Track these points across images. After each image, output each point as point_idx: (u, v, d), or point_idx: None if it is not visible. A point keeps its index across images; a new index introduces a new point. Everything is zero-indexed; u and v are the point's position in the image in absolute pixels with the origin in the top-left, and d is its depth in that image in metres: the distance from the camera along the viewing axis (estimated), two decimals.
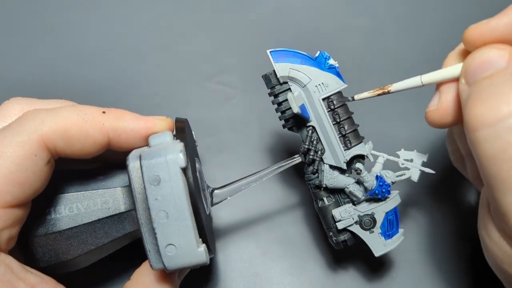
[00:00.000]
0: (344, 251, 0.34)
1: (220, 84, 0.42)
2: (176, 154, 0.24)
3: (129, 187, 0.28)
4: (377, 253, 0.30)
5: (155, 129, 0.26)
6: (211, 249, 0.26)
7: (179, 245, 0.24)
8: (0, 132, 0.24)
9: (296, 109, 0.28)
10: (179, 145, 0.25)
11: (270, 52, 0.29)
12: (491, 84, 0.23)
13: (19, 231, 0.25)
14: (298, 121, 0.30)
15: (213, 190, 0.31)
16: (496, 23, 0.24)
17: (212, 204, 0.31)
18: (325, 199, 0.30)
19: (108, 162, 0.29)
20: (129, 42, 0.43)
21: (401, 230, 0.31)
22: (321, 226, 0.32)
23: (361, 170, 0.29)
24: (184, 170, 0.24)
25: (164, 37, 0.44)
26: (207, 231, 0.26)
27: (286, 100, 0.29)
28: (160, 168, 0.24)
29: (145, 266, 0.29)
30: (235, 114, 0.41)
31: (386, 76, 0.42)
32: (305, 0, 0.45)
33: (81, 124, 0.25)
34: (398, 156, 0.31)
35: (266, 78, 0.30)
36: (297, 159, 0.31)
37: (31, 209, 0.26)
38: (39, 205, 0.27)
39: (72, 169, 0.29)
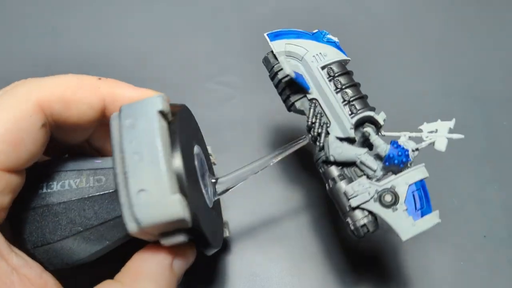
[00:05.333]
0: (347, 252, 0.33)
1: (220, 84, 0.42)
2: (155, 98, 0.24)
3: None
4: (404, 236, 0.24)
5: None
6: (199, 219, 0.23)
7: (151, 191, 0.22)
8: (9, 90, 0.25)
9: (288, 71, 0.26)
10: (160, 94, 0.24)
11: (267, 34, 0.30)
12: None
13: (11, 203, 0.25)
14: (297, 92, 0.28)
15: (217, 179, 0.28)
16: None
17: (217, 194, 0.28)
18: (336, 178, 0.27)
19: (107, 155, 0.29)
20: (129, 42, 0.45)
21: (436, 211, 0.25)
22: (322, 226, 0.29)
23: (369, 133, 0.26)
24: (162, 114, 0.23)
25: (164, 37, 0.45)
26: (202, 210, 0.24)
27: (285, 77, 0.28)
28: (137, 112, 0.23)
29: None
30: (235, 114, 0.40)
31: (386, 78, 0.42)
32: (305, 0, 0.46)
33: (77, 87, 0.25)
34: (421, 131, 0.27)
35: (266, 60, 0.30)
36: (304, 139, 0.28)
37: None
38: (31, 179, 0.26)
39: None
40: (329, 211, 0.35)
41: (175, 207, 0.22)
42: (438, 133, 0.26)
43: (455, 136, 0.26)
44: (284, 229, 0.36)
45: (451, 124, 0.26)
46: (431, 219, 0.25)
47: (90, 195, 0.26)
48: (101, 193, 0.26)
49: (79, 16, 0.47)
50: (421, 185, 0.25)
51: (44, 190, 0.27)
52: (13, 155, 0.23)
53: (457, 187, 0.37)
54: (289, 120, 0.39)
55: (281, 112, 0.38)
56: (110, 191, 0.27)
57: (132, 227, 0.22)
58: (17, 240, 0.26)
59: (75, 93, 0.25)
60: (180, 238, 0.24)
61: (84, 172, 0.27)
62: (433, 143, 0.26)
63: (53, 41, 0.45)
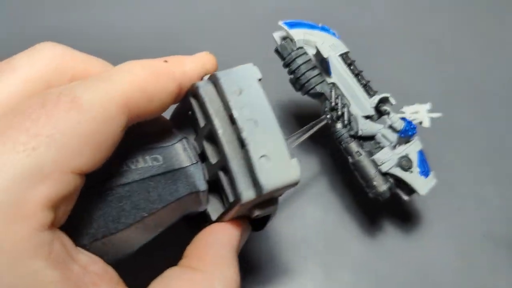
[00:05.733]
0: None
1: None
2: (251, 67, 0.23)
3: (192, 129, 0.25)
4: (422, 191, 0.30)
5: (213, 67, 0.25)
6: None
7: (273, 156, 0.22)
8: (87, 83, 0.20)
9: (326, 54, 0.30)
10: (250, 64, 0.24)
11: (283, 22, 0.32)
12: None
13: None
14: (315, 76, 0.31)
15: None
16: None
17: None
18: (360, 150, 0.31)
19: None
20: (129, 42, 0.41)
21: (432, 171, 0.32)
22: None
23: (389, 111, 0.31)
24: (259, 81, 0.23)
25: (163, 37, 0.44)
26: None
27: (304, 63, 0.31)
28: (239, 80, 0.23)
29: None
30: None
31: (386, 78, 0.40)
32: (305, 0, 0.47)
33: (155, 78, 0.22)
34: (403, 113, 0.34)
35: (282, 47, 0.32)
36: (324, 120, 0.31)
37: None
38: None
39: None
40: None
41: (295, 170, 0.22)
42: (420, 114, 0.33)
43: (434, 115, 0.33)
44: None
45: (427, 106, 0.34)
46: (433, 177, 0.32)
47: (153, 174, 0.24)
48: (163, 171, 0.24)
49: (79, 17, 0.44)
50: (421, 152, 0.32)
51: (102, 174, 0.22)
52: (91, 158, 0.19)
53: (456, 187, 0.38)
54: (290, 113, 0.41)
55: (282, 108, 0.40)
56: (172, 169, 0.24)
57: (248, 195, 0.22)
58: (72, 236, 0.21)
59: (155, 85, 0.22)
60: (273, 208, 0.24)
61: (137, 151, 0.24)
62: (420, 123, 0.33)
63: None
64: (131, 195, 0.23)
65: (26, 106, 0.19)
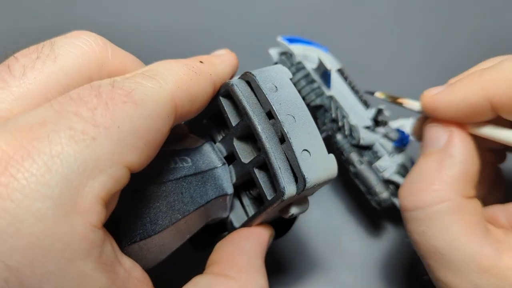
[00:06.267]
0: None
1: None
2: (282, 67, 0.24)
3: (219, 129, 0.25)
4: None
5: (237, 67, 0.25)
6: None
7: (313, 151, 0.22)
8: (136, 79, 0.19)
9: (329, 66, 0.31)
10: (279, 65, 0.24)
11: (282, 38, 0.33)
12: (424, 167, 0.24)
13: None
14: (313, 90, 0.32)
15: None
16: (448, 99, 0.24)
17: None
18: (361, 159, 0.32)
19: None
20: (129, 43, 0.38)
21: None
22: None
23: (386, 122, 0.33)
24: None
25: (163, 37, 0.43)
26: None
27: (304, 76, 0.32)
28: (273, 78, 0.23)
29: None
30: None
31: (385, 77, 0.42)
32: (305, 0, 0.47)
33: (197, 78, 0.22)
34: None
35: (282, 62, 0.33)
36: (323, 131, 0.32)
37: None
38: None
39: None
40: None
41: (334, 165, 0.23)
42: (405, 128, 0.36)
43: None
44: None
45: (411, 121, 0.36)
46: None
47: (184, 175, 0.23)
48: (193, 173, 0.23)
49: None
50: (412, 161, 0.34)
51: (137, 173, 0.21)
52: (143, 154, 0.19)
53: None
54: None
55: None
56: (200, 170, 0.23)
57: (291, 190, 0.22)
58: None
59: (198, 87, 0.22)
60: (306, 206, 0.24)
61: (165, 152, 0.23)
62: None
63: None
64: (167, 195, 0.22)
65: (79, 94, 0.18)
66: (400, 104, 0.28)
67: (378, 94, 0.30)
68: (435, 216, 0.23)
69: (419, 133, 0.28)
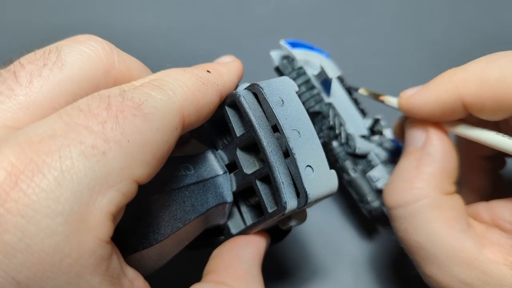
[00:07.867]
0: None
1: None
2: (288, 80, 0.24)
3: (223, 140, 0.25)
4: None
5: (242, 76, 0.25)
6: None
7: (316, 166, 0.22)
8: (145, 90, 0.19)
9: (331, 74, 0.31)
10: (285, 77, 0.24)
11: (284, 42, 0.33)
12: (404, 165, 0.25)
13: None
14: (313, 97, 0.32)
15: None
16: (424, 100, 0.25)
17: None
18: (355, 167, 0.32)
19: None
20: (129, 43, 0.38)
21: None
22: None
23: (382, 132, 0.33)
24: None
25: (163, 38, 0.43)
26: None
27: (305, 82, 0.32)
28: (279, 91, 0.23)
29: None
30: None
31: (384, 77, 0.42)
32: (305, 0, 0.47)
33: (204, 89, 0.22)
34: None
35: (283, 66, 0.33)
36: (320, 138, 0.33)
37: None
38: None
39: None
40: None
41: (335, 181, 0.23)
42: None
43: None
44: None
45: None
46: None
47: (186, 183, 0.23)
48: (194, 181, 0.23)
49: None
50: None
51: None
52: (151, 168, 0.19)
53: None
54: None
55: None
56: (202, 179, 0.24)
57: (292, 205, 0.22)
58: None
59: (205, 98, 0.22)
60: (304, 218, 0.25)
61: (169, 160, 0.23)
62: None
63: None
64: (170, 204, 0.22)
65: (88, 105, 0.17)
66: (382, 102, 0.29)
67: (361, 91, 0.31)
68: (416, 213, 0.24)
69: (400, 132, 0.29)
